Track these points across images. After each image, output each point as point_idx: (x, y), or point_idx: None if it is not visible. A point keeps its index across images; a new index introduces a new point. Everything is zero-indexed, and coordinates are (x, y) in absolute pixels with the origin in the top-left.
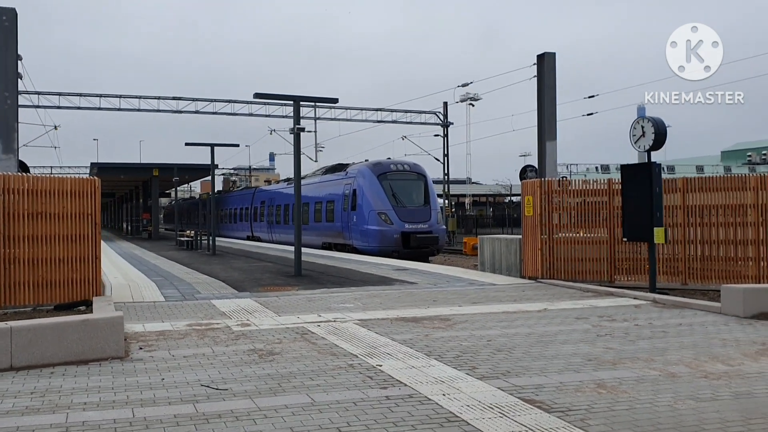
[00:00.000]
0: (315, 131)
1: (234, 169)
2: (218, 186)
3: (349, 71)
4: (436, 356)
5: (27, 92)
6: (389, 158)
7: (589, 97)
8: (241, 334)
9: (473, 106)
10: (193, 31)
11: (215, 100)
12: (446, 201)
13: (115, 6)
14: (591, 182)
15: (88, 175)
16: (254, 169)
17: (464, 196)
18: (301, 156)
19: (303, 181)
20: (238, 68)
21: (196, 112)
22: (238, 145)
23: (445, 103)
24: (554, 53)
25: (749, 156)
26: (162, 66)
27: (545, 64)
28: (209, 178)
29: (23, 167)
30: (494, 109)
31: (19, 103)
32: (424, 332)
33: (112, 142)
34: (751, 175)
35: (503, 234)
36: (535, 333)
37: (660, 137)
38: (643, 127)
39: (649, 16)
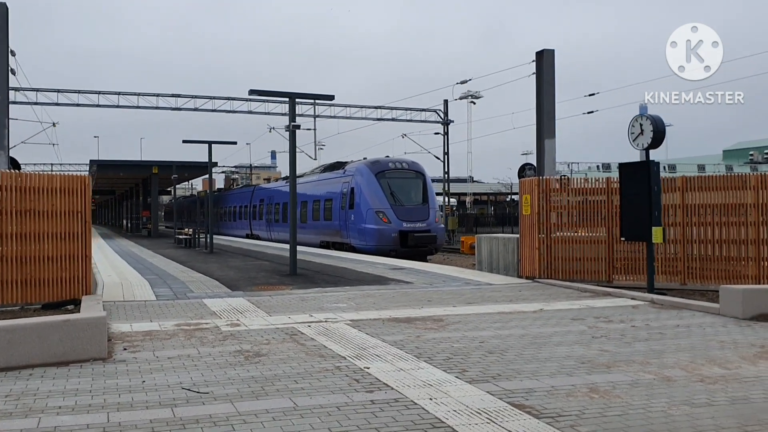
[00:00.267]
0: (314, 129)
1: (236, 167)
2: (220, 183)
3: (350, 71)
4: (426, 358)
5: (25, 89)
6: (388, 156)
7: (590, 95)
8: (229, 334)
9: (474, 104)
10: (194, 31)
11: (214, 98)
12: (447, 199)
13: (115, 6)
14: (589, 181)
15: (87, 173)
16: (256, 167)
17: (465, 194)
18: (301, 154)
19: (301, 180)
20: (238, 68)
21: (195, 109)
22: (235, 143)
23: (446, 101)
24: (553, 50)
25: (751, 155)
26: (162, 66)
27: (544, 61)
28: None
29: (14, 164)
30: (495, 107)
31: (17, 100)
32: (415, 333)
33: (115, 139)
34: (751, 174)
35: (503, 233)
36: (529, 334)
37: (659, 135)
38: (641, 125)
39: (649, 16)
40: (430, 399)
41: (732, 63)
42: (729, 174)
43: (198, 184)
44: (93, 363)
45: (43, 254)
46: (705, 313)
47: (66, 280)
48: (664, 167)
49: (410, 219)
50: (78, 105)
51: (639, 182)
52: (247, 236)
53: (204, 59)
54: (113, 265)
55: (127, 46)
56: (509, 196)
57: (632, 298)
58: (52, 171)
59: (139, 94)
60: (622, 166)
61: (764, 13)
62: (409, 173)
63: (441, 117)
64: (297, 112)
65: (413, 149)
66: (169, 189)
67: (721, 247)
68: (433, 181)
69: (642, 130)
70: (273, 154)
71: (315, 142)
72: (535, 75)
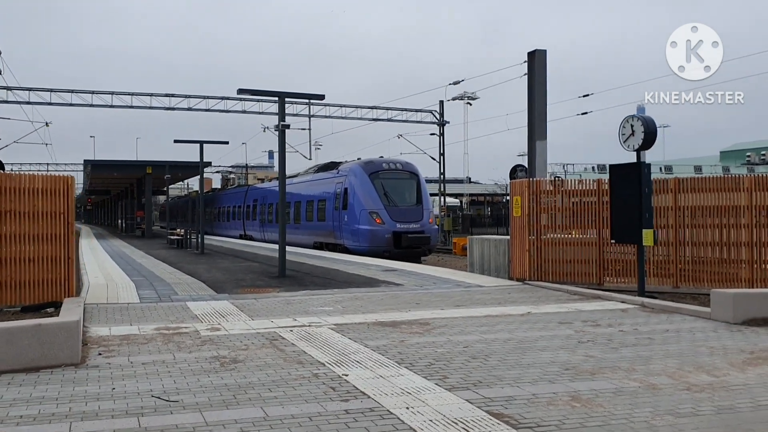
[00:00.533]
0: (309, 129)
1: (232, 166)
2: (217, 183)
3: (350, 71)
4: (408, 364)
5: (17, 88)
6: (382, 157)
7: (584, 96)
8: (208, 339)
9: (471, 105)
10: (193, 31)
11: (208, 97)
12: (443, 199)
13: (116, 6)
14: (580, 182)
15: (82, 173)
16: (252, 166)
17: (461, 195)
18: (296, 154)
19: (295, 180)
20: (239, 68)
21: (189, 109)
22: (227, 143)
23: (441, 102)
24: (545, 50)
25: (748, 156)
26: (162, 66)
27: (536, 61)
28: (205, 175)
29: None
30: (492, 108)
31: (9, 99)
32: (399, 338)
33: (111, 139)
34: (744, 175)
35: (499, 234)
36: (514, 339)
37: (650, 136)
38: (632, 125)
39: (650, 16)
40: (407, 408)
41: (733, 61)
42: (722, 175)
43: (194, 183)
44: (65, 369)
45: (24, 256)
46: (696, 317)
47: (47, 282)
48: (661, 168)
49: (404, 220)
50: (71, 105)
51: (630, 184)
52: (241, 237)
53: (204, 59)
54: (102, 266)
55: (127, 45)
56: (505, 198)
57: (622, 302)
58: (48, 171)
59: (132, 94)
60: (613, 168)
61: (764, 12)
62: (403, 174)
63: (437, 118)
64: (292, 112)
65: (409, 150)
66: (164, 189)
67: (715, 249)
68: (430, 182)
69: (633, 131)
70: (270, 154)
71: (310, 141)
72: (527, 76)
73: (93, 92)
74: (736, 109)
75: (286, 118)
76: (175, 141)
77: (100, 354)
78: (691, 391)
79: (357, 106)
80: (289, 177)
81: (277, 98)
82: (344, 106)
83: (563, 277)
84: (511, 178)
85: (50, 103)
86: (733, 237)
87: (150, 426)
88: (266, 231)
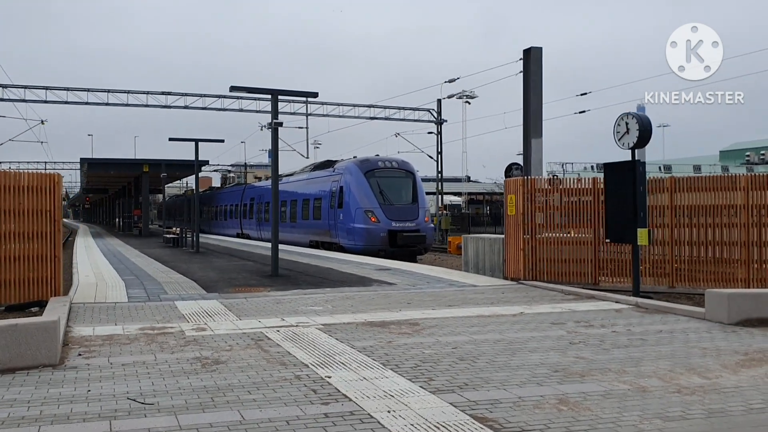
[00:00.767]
0: (306, 127)
1: (232, 165)
2: (217, 182)
3: (350, 70)
4: (393, 366)
5: (13, 86)
6: (377, 155)
7: (582, 94)
8: (192, 339)
9: (469, 103)
10: (194, 31)
11: (205, 96)
12: (441, 198)
13: (116, 6)
14: (575, 181)
15: (78, 171)
16: (251, 165)
17: (460, 194)
18: (294, 153)
19: (291, 178)
20: (238, 68)
21: (185, 107)
22: (223, 141)
23: (439, 100)
24: (540, 48)
25: (747, 156)
26: (162, 66)
27: (531, 58)
28: (203, 173)
29: None
30: (489, 106)
31: (3, 97)
32: (387, 338)
33: (110, 138)
34: (741, 174)
35: (496, 233)
36: (504, 339)
37: (645, 134)
38: (627, 123)
39: (650, 16)
40: (389, 412)
41: (733, 60)
42: (718, 175)
43: (194, 182)
44: (42, 370)
45: (9, 254)
46: (690, 317)
47: (34, 281)
48: (660, 168)
49: (399, 218)
50: (67, 102)
51: (624, 183)
52: (238, 235)
53: (204, 59)
54: (94, 264)
55: (128, 45)
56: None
57: (616, 302)
58: (45, 170)
59: (128, 92)
60: (608, 166)
61: (764, 13)
62: (399, 172)
63: (434, 116)
64: (289, 111)
65: (407, 148)
66: (161, 188)
67: (711, 249)
68: (427, 180)
69: (628, 129)
70: (269, 153)
71: (307, 140)
72: (522, 73)
73: (89, 90)
74: (736, 109)
75: (283, 116)
76: (170, 139)
77: (80, 355)
78: (681, 394)
79: (354, 105)
80: (285, 175)
81: (270, 96)
82: (342, 104)
83: (558, 277)
84: (506, 176)
85: (45, 101)
86: (730, 236)
87: (121, 430)
88: (263, 230)
